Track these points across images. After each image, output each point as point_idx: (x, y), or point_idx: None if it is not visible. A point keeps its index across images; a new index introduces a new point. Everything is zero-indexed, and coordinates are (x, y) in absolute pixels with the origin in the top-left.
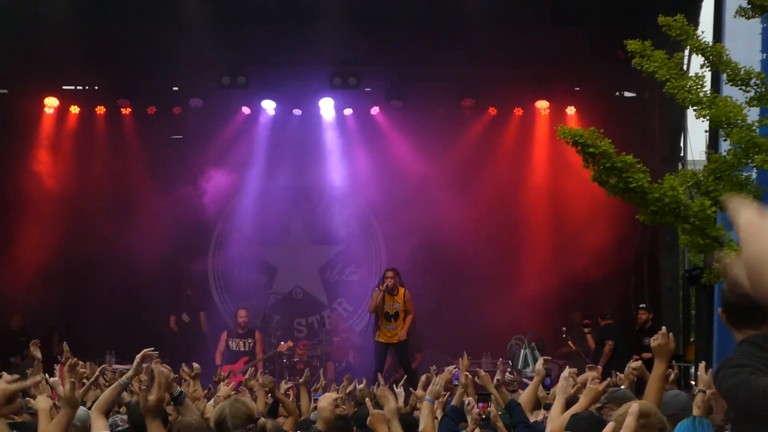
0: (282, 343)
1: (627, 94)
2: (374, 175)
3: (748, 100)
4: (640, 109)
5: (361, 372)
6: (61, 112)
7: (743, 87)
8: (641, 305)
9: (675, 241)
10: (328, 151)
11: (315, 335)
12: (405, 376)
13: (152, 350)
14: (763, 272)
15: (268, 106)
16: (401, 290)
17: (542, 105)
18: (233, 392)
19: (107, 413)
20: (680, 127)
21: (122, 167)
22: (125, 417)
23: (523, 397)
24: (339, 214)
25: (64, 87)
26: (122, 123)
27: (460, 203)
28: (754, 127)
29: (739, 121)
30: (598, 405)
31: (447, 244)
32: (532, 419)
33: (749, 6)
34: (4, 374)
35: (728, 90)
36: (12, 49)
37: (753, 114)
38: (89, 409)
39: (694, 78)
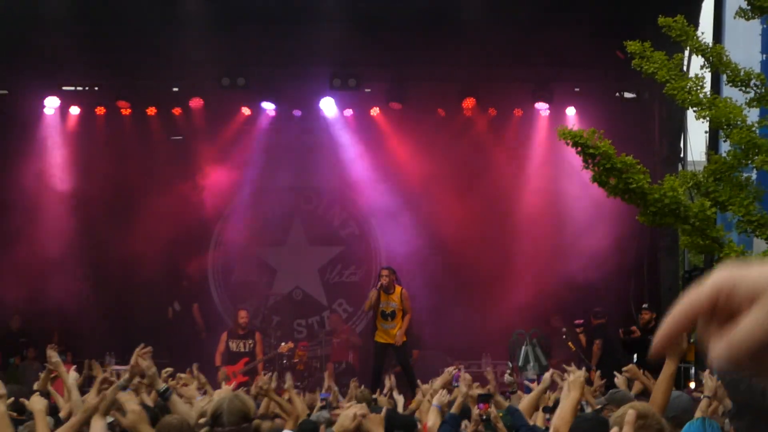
0: (282, 344)
1: (627, 94)
2: (374, 176)
3: (748, 101)
4: (640, 110)
5: (362, 373)
6: (61, 112)
7: (743, 88)
8: (644, 305)
9: (675, 241)
10: (328, 152)
11: (315, 336)
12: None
13: (143, 347)
14: None
15: (268, 106)
16: (398, 289)
17: (542, 106)
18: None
19: (106, 414)
20: (680, 128)
21: (122, 168)
22: None
23: (525, 401)
24: (339, 216)
25: (64, 87)
26: (122, 123)
27: (460, 204)
28: (754, 128)
29: (738, 122)
30: (598, 406)
31: (447, 245)
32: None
33: (749, 7)
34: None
35: (728, 91)
36: (12, 50)
37: (753, 115)
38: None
39: (694, 79)
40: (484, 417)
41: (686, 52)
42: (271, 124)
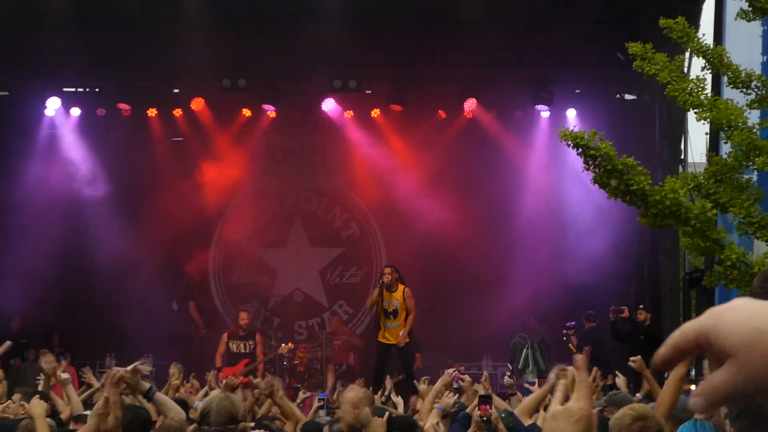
0: (283, 345)
1: (628, 96)
2: (375, 177)
3: (748, 102)
4: (641, 111)
5: (362, 374)
6: (62, 113)
7: (744, 90)
8: (640, 305)
9: (675, 243)
10: (329, 153)
11: (315, 338)
12: (401, 377)
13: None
14: None
15: (269, 108)
16: (400, 287)
17: (542, 107)
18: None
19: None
20: (681, 130)
21: (123, 169)
22: None
23: (527, 401)
24: (340, 217)
25: (64, 89)
26: (123, 125)
27: (461, 206)
28: (754, 130)
29: (739, 124)
30: (598, 408)
31: (448, 247)
32: (530, 422)
33: (750, 8)
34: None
35: (729, 93)
36: (12, 51)
37: (754, 116)
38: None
39: (694, 81)
40: (485, 418)
41: (687, 54)
42: (271, 125)
